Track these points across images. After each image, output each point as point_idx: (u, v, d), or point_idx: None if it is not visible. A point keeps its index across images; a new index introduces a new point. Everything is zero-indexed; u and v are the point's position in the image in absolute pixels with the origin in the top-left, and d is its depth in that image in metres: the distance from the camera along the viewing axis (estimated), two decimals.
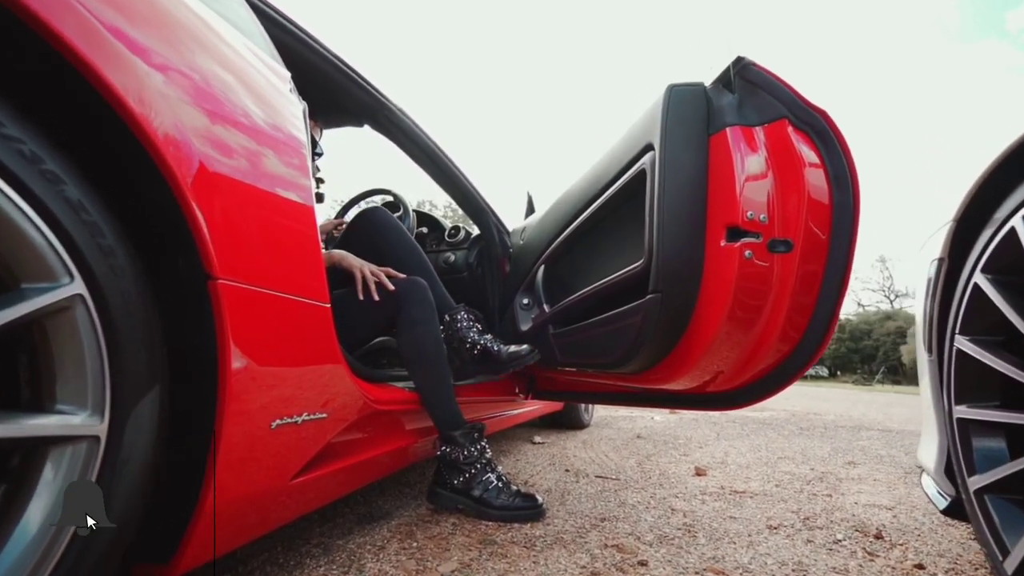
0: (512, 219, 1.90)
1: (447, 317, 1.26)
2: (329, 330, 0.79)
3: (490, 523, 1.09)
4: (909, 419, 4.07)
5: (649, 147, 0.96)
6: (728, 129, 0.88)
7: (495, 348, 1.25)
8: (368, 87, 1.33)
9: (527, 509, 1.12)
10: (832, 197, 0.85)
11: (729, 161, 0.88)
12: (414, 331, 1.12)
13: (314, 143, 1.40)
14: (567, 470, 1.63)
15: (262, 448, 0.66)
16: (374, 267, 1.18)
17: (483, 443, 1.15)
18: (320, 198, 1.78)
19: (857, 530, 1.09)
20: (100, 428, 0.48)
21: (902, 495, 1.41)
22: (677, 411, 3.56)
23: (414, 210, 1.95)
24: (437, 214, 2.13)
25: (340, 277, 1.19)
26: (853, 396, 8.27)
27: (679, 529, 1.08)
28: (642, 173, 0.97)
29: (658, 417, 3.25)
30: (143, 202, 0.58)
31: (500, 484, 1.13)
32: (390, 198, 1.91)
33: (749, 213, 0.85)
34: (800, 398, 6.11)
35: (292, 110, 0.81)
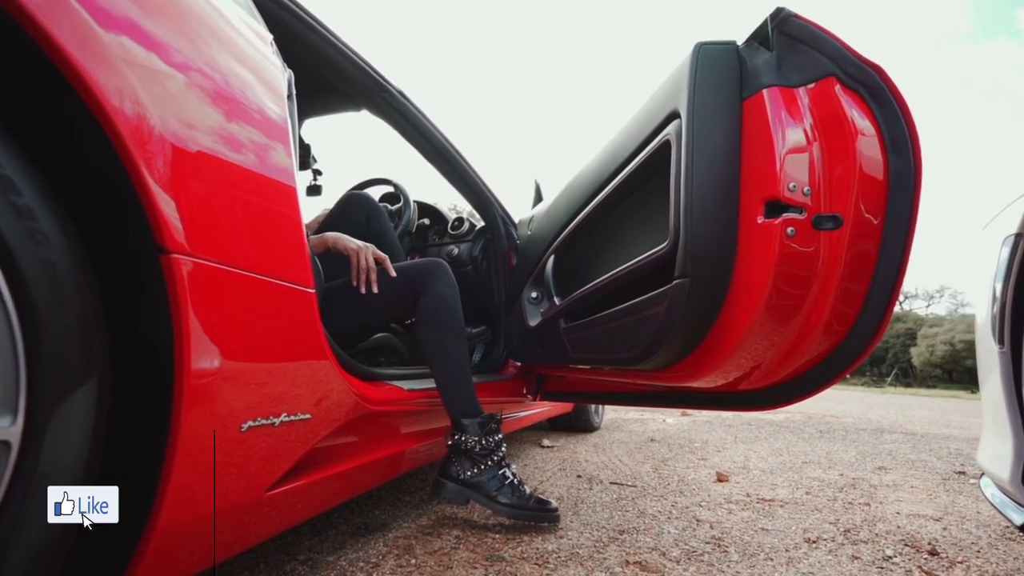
0: (519, 213, 1.80)
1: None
2: (313, 319, 0.69)
3: (497, 536, 0.98)
4: (931, 421, 3.92)
5: (674, 115, 0.86)
6: (765, 91, 0.78)
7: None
8: (367, 67, 1.24)
9: (542, 512, 1.02)
10: (888, 165, 0.74)
11: (766, 127, 0.77)
12: (441, 313, 1.04)
13: None
14: (579, 476, 1.52)
15: (230, 455, 0.56)
16: (375, 252, 1.07)
17: (500, 436, 1.06)
18: (318, 191, 1.70)
19: (907, 545, 0.98)
20: (11, 432, 0.39)
21: (947, 504, 1.29)
22: (689, 413, 3.44)
23: (415, 201, 1.86)
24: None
25: (339, 266, 1.11)
26: (868, 398, 8.09)
27: (707, 543, 0.97)
28: (666, 145, 0.87)
29: (670, 420, 3.13)
30: (85, 161, 0.49)
31: (515, 481, 1.04)
32: (390, 188, 1.82)
33: (791, 185, 0.75)
34: (814, 400, 5.96)
35: (273, 73, 0.72)
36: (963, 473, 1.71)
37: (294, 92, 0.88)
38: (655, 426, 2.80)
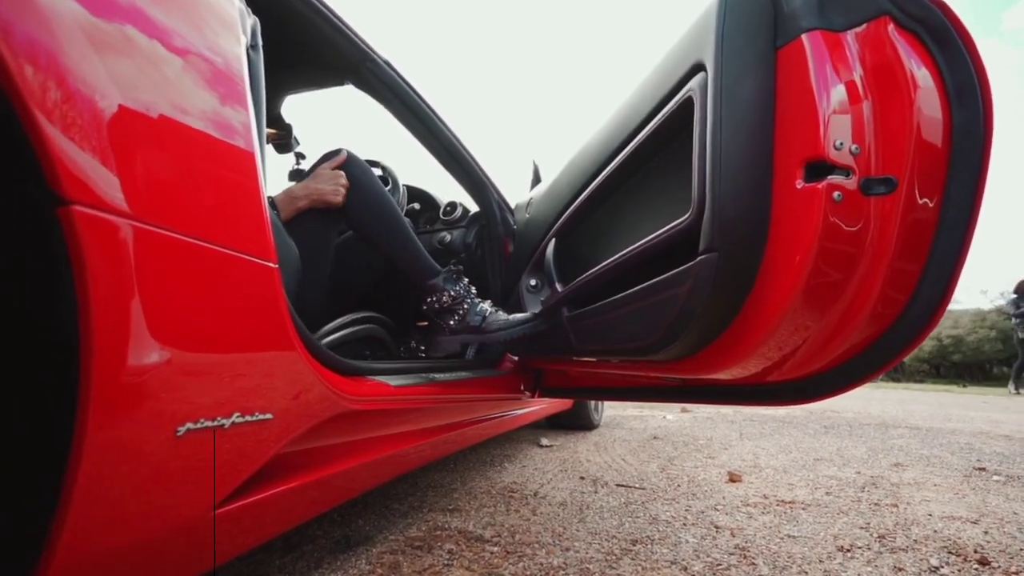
0: (516, 201, 1.69)
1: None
2: (275, 299, 0.58)
3: (495, 550, 0.87)
4: (932, 415, 3.87)
5: (698, 68, 0.75)
6: (804, 36, 0.67)
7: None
8: (351, 34, 1.12)
9: (529, 321, 1.11)
10: (951, 119, 0.64)
11: (805, 78, 0.67)
12: (365, 196, 1.07)
13: None
14: (582, 478, 1.42)
15: (160, 466, 0.45)
16: (336, 177, 1.04)
17: (465, 280, 1.16)
18: (301, 175, 1.58)
19: (951, 552, 0.88)
20: None
21: (978, 504, 1.20)
22: (689, 409, 3.36)
23: (405, 185, 1.74)
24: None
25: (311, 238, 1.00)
26: (862, 392, 8.07)
27: (731, 554, 0.87)
28: (688, 102, 0.76)
29: (670, 416, 3.05)
30: None
31: (494, 309, 1.14)
32: (378, 171, 1.70)
33: (838, 142, 0.64)
34: None
35: (226, 7, 0.60)
36: (983, 469, 1.63)
37: (260, 42, 0.77)
38: (656, 423, 2.70)
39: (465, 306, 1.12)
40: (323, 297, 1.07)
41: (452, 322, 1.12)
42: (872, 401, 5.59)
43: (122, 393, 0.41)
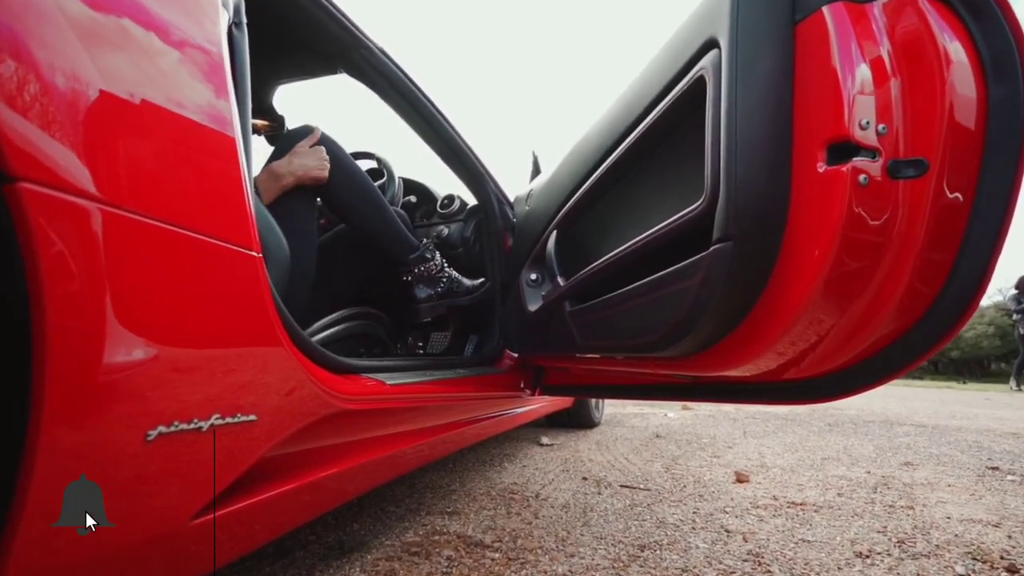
0: (515, 192, 1.64)
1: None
2: (259, 291, 0.53)
3: (497, 557, 0.83)
4: (935, 412, 3.84)
5: (711, 44, 0.70)
6: (825, 8, 0.63)
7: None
8: (344, 20, 1.07)
9: (486, 284, 1.34)
10: (987, 95, 0.60)
11: (827, 54, 0.62)
12: (346, 172, 1.07)
13: None
14: (585, 478, 1.38)
15: (128, 474, 0.41)
16: (318, 152, 1.03)
17: (437, 252, 1.28)
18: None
19: (976, 558, 0.84)
20: None
21: (997, 506, 1.16)
22: (690, 407, 3.32)
23: (401, 177, 1.70)
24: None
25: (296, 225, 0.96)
26: None
27: (745, 560, 0.83)
28: (700, 82, 0.71)
29: (671, 414, 3.01)
30: None
31: (460, 276, 1.31)
32: (373, 163, 1.65)
33: (863, 121, 0.60)
34: None
35: None
36: (997, 469, 1.59)
37: (244, 20, 0.72)
38: (657, 421, 2.67)
39: (446, 276, 1.26)
40: (310, 286, 1.02)
41: (439, 288, 1.24)
42: (874, 398, 5.56)
43: (82, 394, 0.36)
